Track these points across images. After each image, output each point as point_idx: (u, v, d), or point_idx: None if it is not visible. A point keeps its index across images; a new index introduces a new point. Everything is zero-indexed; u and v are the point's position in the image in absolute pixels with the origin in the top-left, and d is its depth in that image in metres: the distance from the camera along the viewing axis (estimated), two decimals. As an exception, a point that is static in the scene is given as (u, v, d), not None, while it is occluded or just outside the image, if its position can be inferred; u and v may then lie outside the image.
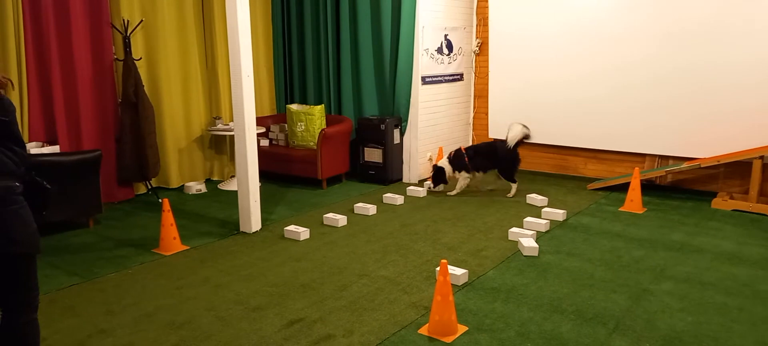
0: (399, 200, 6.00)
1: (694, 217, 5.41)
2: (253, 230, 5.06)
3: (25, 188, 2.30)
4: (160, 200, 5.87)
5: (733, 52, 5.69)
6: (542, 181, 6.89)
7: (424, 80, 6.77)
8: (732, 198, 5.81)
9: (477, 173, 6.30)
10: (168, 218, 4.57)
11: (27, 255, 2.29)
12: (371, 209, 5.60)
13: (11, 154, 2.21)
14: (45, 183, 2.40)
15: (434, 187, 6.33)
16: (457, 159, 6.27)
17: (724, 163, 5.76)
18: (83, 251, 4.62)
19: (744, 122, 5.72)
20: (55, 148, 5.29)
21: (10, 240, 2.20)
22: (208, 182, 7.03)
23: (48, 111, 5.52)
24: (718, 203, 5.73)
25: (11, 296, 2.32)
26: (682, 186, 6.37)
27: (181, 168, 6.73)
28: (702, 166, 5.80)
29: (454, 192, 6.33)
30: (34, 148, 5.18)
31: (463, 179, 6.30)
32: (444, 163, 6.32)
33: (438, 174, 6.30)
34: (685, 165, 5.92)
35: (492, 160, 6.24)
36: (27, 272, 2.32)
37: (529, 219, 5.14)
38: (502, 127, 7.33)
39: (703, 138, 5.98)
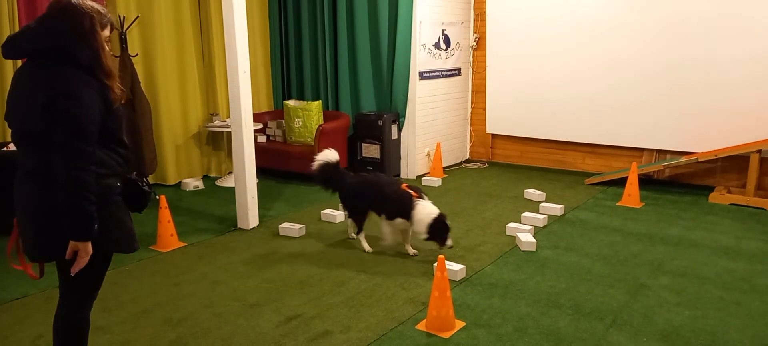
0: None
1: (692, 211, 5.41)
2: (251, 226, 5.06)
3: (124, 188, 2.32)
4: (157, 197, 5.84)
5: (730, 47, 5.69)
6: (540, 176, 6.89)
7: (422, 75, 6.75)
8: (729, 192, 5.82)
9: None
10: (165, 214, 4.57)
11: (117, 253, 2.34)
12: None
13: (115, 155, 2.25)
14: (145, 186, 2.40)
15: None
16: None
17: (721, 157, 5.76)
18: (80, 248, 4.61)
19: (741, 117, 5.72)
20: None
21: (108, 240, 2.22)
22: (206, 178, 7.02)
23: (44, 108, 5.49)
24: (715, 197, 5.74)
25: (89, 291, 2.34)
26: (680, 180, 6.38)
27: (178, 164, 6.71)
28: (699, 160, 5.80)
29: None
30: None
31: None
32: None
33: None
34: (682, 159, 5.92)
35: None
36: (106, 269, 2.37)
37: (526, 214, 5.14)
38: (501, 123, 7.37)
39: (700, 132, 5.98)
